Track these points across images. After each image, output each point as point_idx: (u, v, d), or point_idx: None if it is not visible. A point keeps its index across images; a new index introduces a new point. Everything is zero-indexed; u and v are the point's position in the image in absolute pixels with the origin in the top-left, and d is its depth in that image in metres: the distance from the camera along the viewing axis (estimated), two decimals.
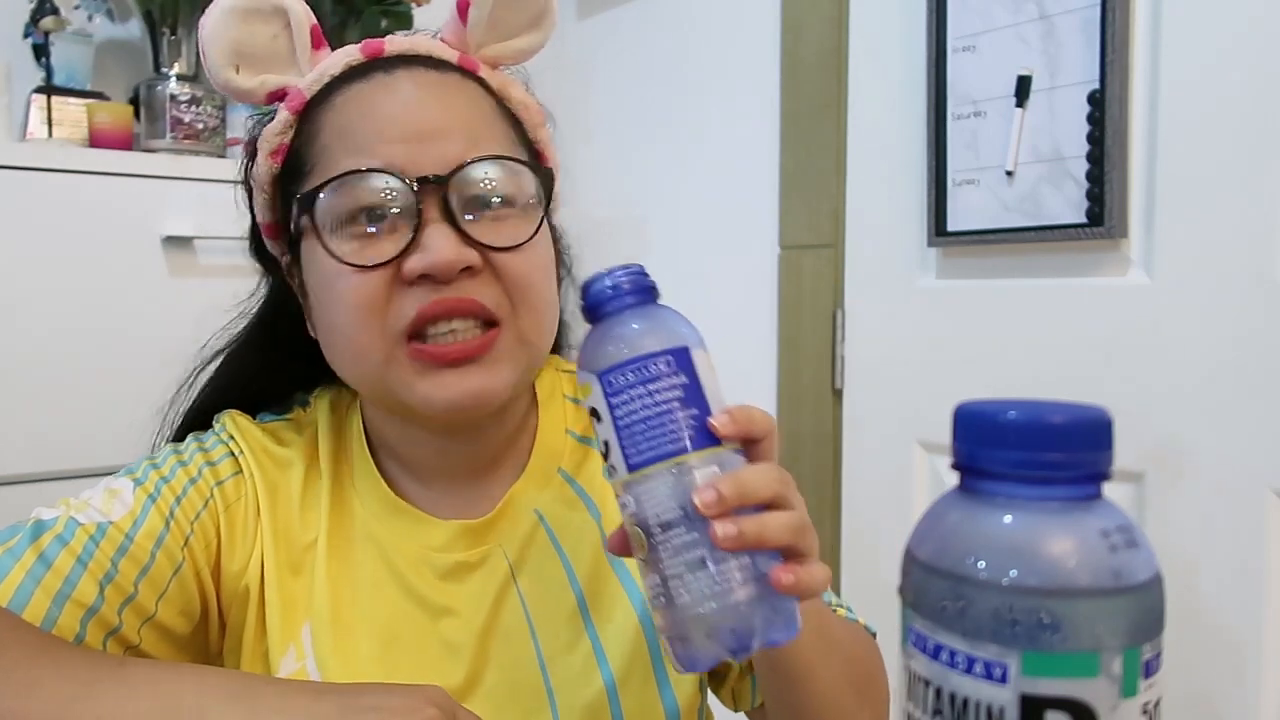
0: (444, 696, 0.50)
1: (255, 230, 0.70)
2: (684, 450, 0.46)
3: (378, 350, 0.59)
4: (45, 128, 1.53)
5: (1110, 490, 0.32)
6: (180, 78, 1.62)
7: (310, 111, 0.64)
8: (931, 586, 0.32)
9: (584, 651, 0.66)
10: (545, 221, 0.63)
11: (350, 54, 0.65)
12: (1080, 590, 0.30)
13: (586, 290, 0.51)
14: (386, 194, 0.59)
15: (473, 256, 0.58)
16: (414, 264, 0.58)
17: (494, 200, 0.61)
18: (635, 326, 0.49)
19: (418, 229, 0.58)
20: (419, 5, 1.73)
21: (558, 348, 0.78)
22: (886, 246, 1.36)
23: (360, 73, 0.64)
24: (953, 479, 0.34)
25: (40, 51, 1.56)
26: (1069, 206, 1.14)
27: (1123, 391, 1.10)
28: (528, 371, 0.64)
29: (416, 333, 0.59)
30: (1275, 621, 1.01)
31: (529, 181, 0.63)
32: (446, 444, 0.67)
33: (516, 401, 0.69)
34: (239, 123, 1.67)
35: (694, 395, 0.48)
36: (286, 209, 0.65)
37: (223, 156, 1.65)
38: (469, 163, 0.59)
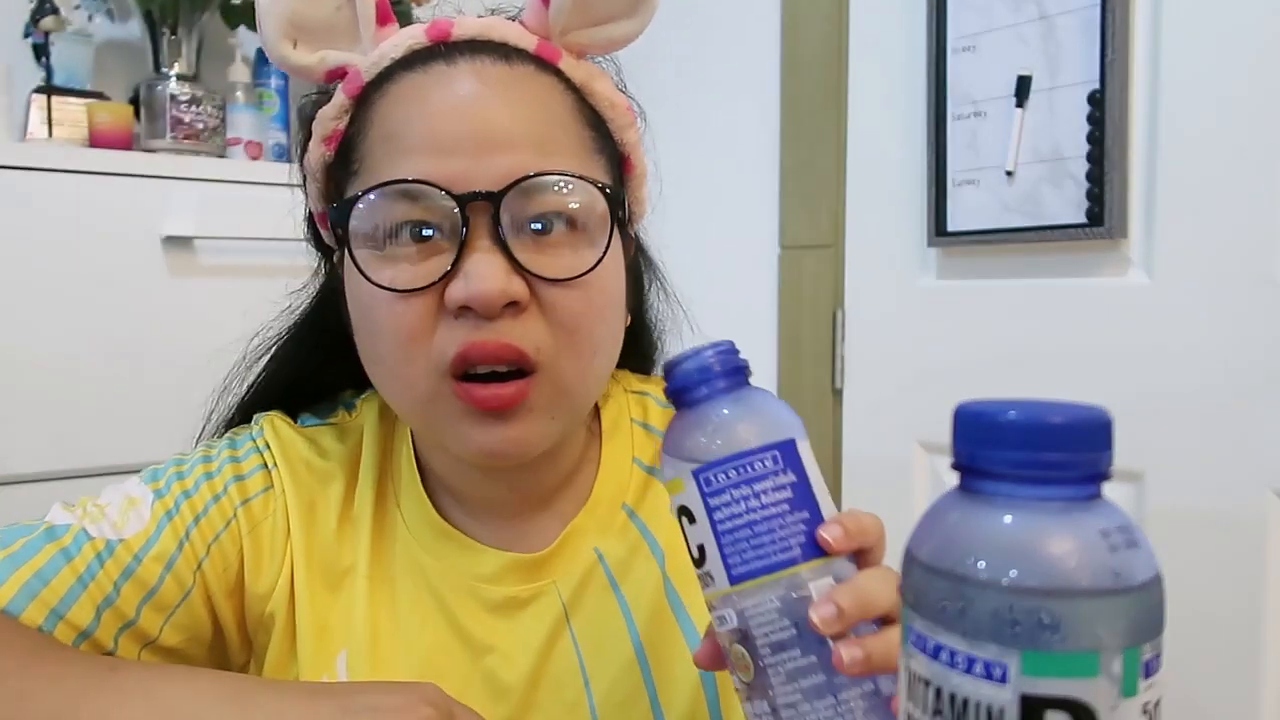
0: (440, 695, 0.48)
1: (311, 218, 0.65)
2: (795, 561, 0.42)
3: (422, 384, 0.54)
4: (45, 128, 1.53)
5: (1110, 490, 0.32)
6: (180, 78, 1.62)
7: (367, 97, 0.57)
8: (931, 586, 0.32)
9: (640, 704, 0.61)
10: (608, 249, 0.55)
11: (414, 35, 0.57)
12: (1080, 590, 0.30)
13: (672, 371, 0.46)
14: (429, 212, 0.52)
15: (519, 290, 0.52)
16: (454, 293, 0.51)
17: (551, 223, 0.53)
18: (735, 418, 0.44)
19: (461, 253, 0.51)
20: (419, 5, 1.73)
21: (642, 365, 0.72)
22: (886, 246, 1.36)
23: (421, 59, 0.56)
24: (953, 479, 0.34)
25: (40, 51, 1.56)
26: (1069, 206, 1.14)
27: (1123, 391, 1.10)
28: (570, 421, 0.59)
29: (460, 371, 0.53)
30: (1275, 621, 1.01)
31: (596, 201, 0.55)
32: (493, 484, 0.62)
33: (569, 441, 0.63)
34: (239, 122, 1.67)
35: (803, 496, 0.43)
36: (334, 201, 0.59)
37: (223, 156, 1.65)
38: (524, 179, 0.52)
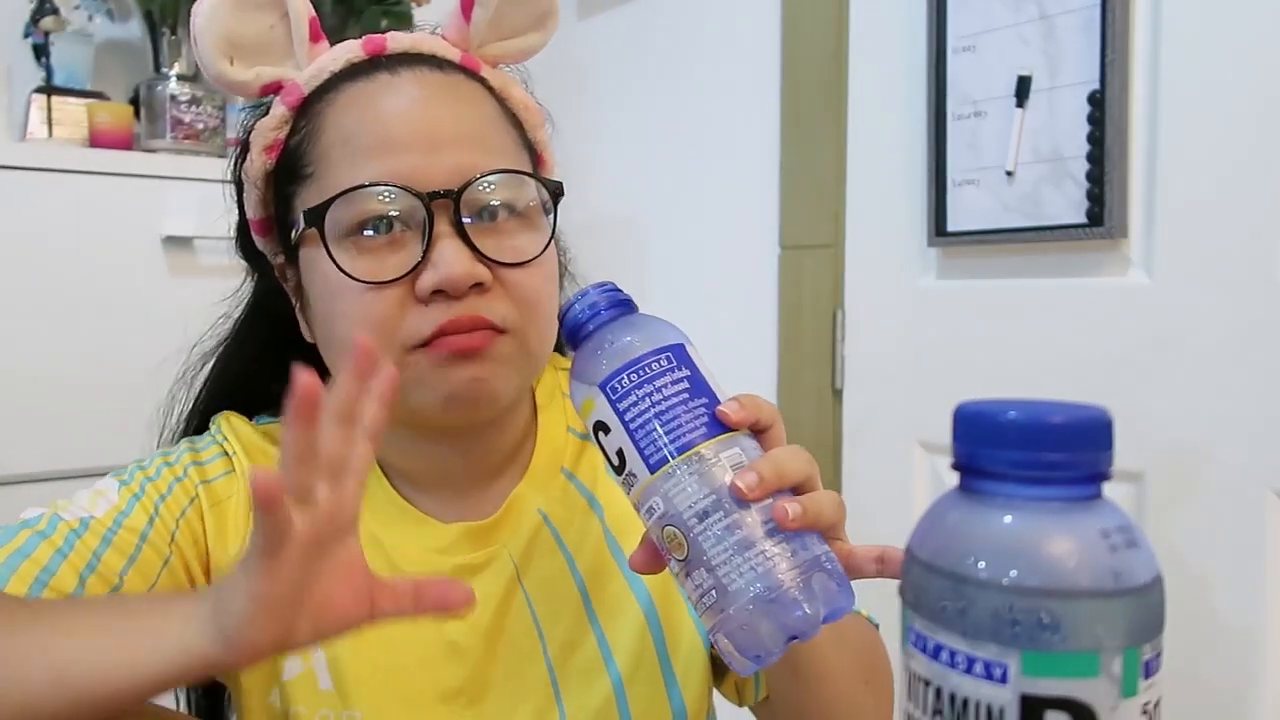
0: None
1: (243, 227, 0.70)
2: (703, 439, 0.46)
3: (390, 362, 0.58)
4: (45, 128, 1.53)
5: (1110, 490, 0.32)
6: (180, 78, 1.62)
7: (309, 108, 0.62)
8: (931, 586, 0.32)
9: (589, 649, 0.66)
10: (554, 233, 0.63)
11: (351, 50, 0.63)
12: (1080, 590, 0.30)
13: (565, 315, 0.51)
14: (397, 208, 0.58)
15: (484, 273, 0.58)
16: (427, 280, 0.57)
17: (504, 213, 0.60)
18: (625, 335, 0.49)
19: (429, 244, 0.57)
20: (419, 4, 1.73)
21: (558, 348, 0.78)
22: (886, 246, 1.36)
23: (363, 70, 0.62)
24: (953, 479, 0.34)
25: (40, 51, 1.56)
26: (1069, 206, 1.14)
27: (1123, 391, 1.10)
28: (529, 378, 0.64)
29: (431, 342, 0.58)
30: (1276, 621, 1.01)
31: (538, 194, 0.62)
32: (447, 453, 0.66)
33: (517, 409, 0.68)
34: (240, 122, 1.67)
35: (700, 386, 0.48)
36: (281, 206, 0.63)
37: (223, 156, 1.65)
38: (481, 176, 0.59)
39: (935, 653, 0.31)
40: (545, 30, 0.68)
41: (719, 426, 0.47)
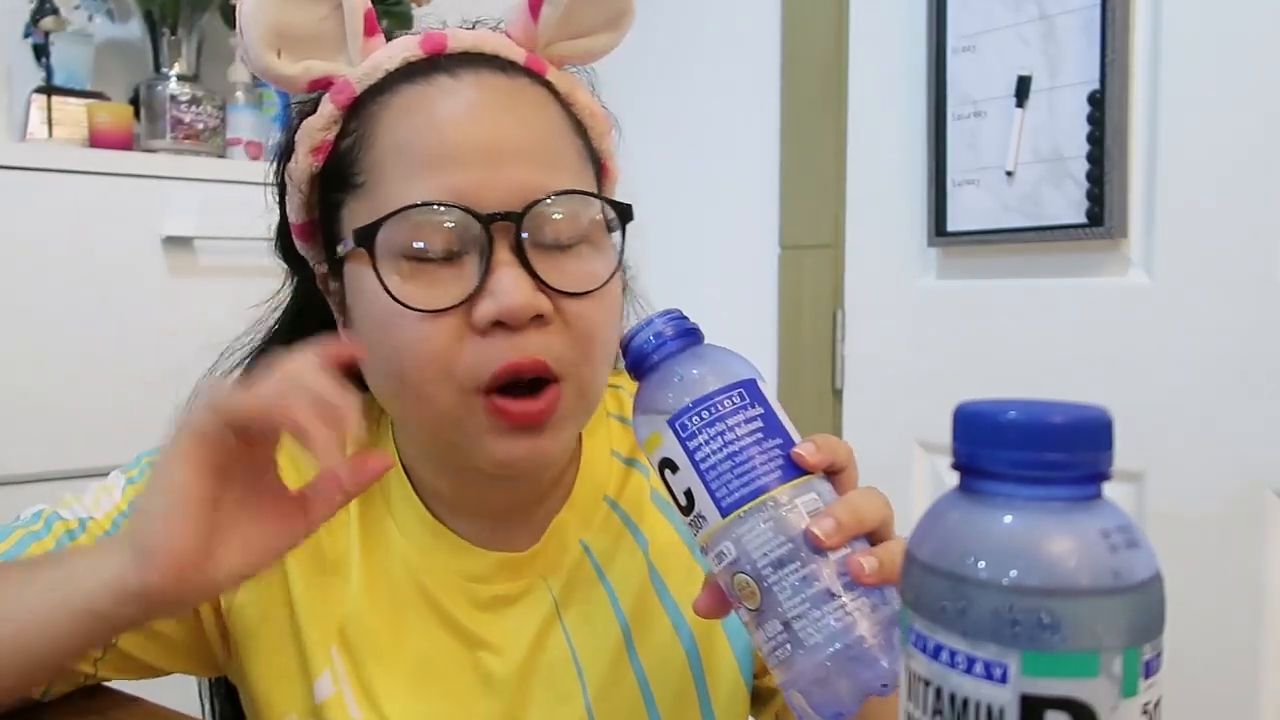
0: (216, 389, 0.48)
1: (284, 229, 0.65)
2: (778, 483, 0.44)
3: (448, 402, 0.54)
4: (45, 128, 1.53)
5: (1110, 490, 0.32)
6: (180, 78, 1.62)
7: (360, 109, 0.57)
8: (931, 586, 0.32)
9: (630, 690, 0.62)
10: (621, 260, 0.58)
11: (409, 47, 0.58)
12: (1080, 590, 0.30)
13: (629, 344, 0.48)
14: (454, 230, 0.53)
15: (545, 304, 0.53)
16: (485, 310, 0.52)
17: (568, 239, 0.55)
18: (694, 368, 0.46)
19: (487, 270, 0.52)
20: (419, 5, 1.73)
21: None
22: (886, 246, 1.36)
23: (420, 71, 0.57)
24: (953, 479, 0.34)
25: (40, 51, 1.56)
26: (1069, 206, 1.14)
27: (1123, 391, 1.10)
28: (584, 424, 0.60)
29: (494, 387, 0.54)
30: (1275, 622, 1.01)
31: (606, 215, 0.58)
32: (488, 486, 0.62)
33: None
34: (239, 123, 1.67)
35: (773, 425, 0.46)
36: (327, 213, 0.59)
37: (223, 156, 1.65)
38: (545, 199, 0.54)
39: (935, 653, 0.31)
40: (619, 30, 0.62)
41: (794, 470, 0.45)
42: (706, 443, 0.45)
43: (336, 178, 0.58)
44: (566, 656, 0.62)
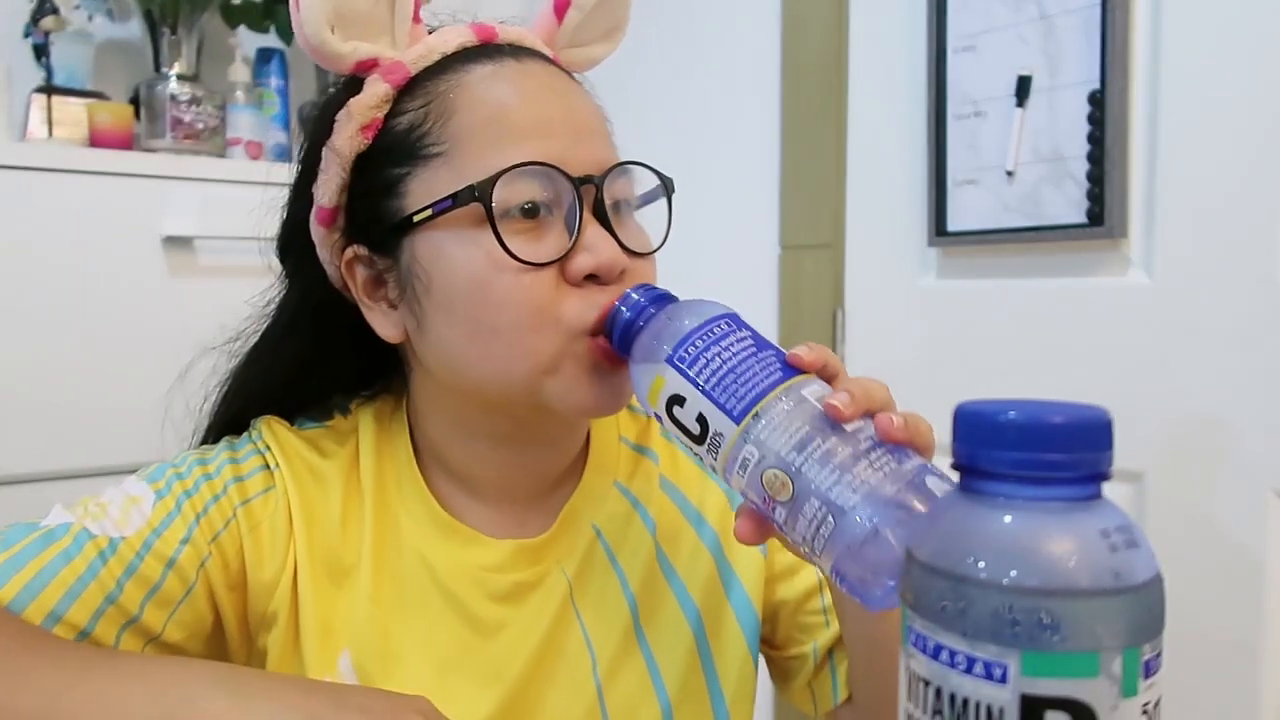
0: (430, 707, 0.49)
1: (289, 225, 0.66)
2: (782, 380, 0.46)
3: (552, 348, 0.57)
4: (45, 128, 1.53)
5: (1110, 490, 0.32)
6: (180, 78, 1.62)
7: (420, 87, 0.60)
8: (931, 586, 0.32)
9: (638, 670, 0.64)
10: (669, 229, 0.64)
11: (462, 34, 0.62)
12: (1080, 590, 0.30)
13: (613, 320, 0.54)
14: (550, 191, 0.57)
15: (627, 260, 0.58)
16: (583, 263, 0.57)
17: (625, 206, 0.61)
18: (678, 318, 0.50)
19: (579, 228, 0.57)
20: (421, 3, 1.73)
21: None
22: (886, 246, 1.36)
23: (484, 54, 0.61)
24: (953, 479, 0.34)
25: (40, 51, 1.56)
26: (1069, 206, 1.14)
27: (1122, 391, 1.10)
28: None
29: (598, 330, 0.57)
30: (1275, 621, 1.01)
31: (658, 187, 0.64)
32: (517, 460, 0.65)
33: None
34: (239, 122, 1.67)
35: (763, 341, 0.49)
36: (375, 191, 0.60)
37: (223, 156, 1.65)
38: (620, 164, 0.60)
39: (935, 653, 0.31)
40: (613, 42, 0.69)
41: (793, 370, 0.48)
42: (707, 364, 0.47)
43: (398, 152, 0.60)
44: (579, 638, 0.64)
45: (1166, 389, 1.08)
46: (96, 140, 1.54)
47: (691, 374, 0.47)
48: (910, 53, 1.31)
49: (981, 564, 0.31)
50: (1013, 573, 0.30)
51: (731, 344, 0.48)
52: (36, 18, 1.52)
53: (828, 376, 0.49)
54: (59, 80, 1.55)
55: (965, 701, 0.31)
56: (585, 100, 0.63)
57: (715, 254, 1.62)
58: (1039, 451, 0.31)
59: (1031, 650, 0.29)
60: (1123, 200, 1.10)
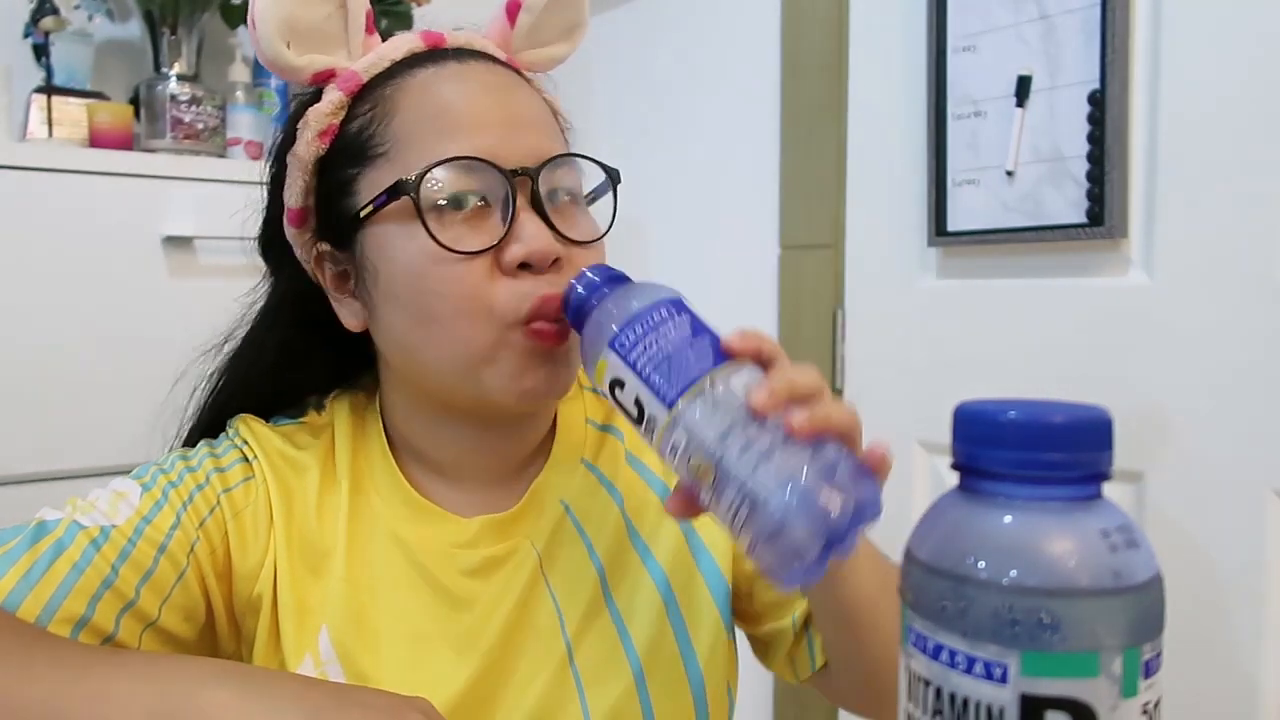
0: (431, 707, 0.50)
1: (269, 225, 0.69)
2: (711, 368, 0.48)
3: (486, 337, 0.59)
4: (45, 128, 1.53)
5: (1110, 490, 0.32)
6: (180, 78, 1.62)
7: (370, 93, 0.63)
8: (931, 586, 0.32)
9: (607, 634, 0.66)
10: (614, 218, 0.66)
11: (411, 41, 0.65)
12: (1080, 590, 0.30)
13: (569, 298, 0.56)
14: (482, 183, 0.59)
15: (560, 249, 0.60)
16: (515, 253, 0.58)
17: (565, 196, 0.63)
18: (626, 300, 0.52)
19: (512, 218, 0.59)
20: (419, 5, 1.73)
21: None
22: (886, 246, 1.36)
23: (429, 59, 0.64)
24: (953, 479, 0.34)
25: (40, 51, 1.56)
26: (1069, 206, 1.14)
27: (1123, 391, 1.10)
28: (578, 365, 0.65)
29: (531, 319, 0.59)
30: (1275, 621, 1.01)
31: (600, 178, 0.66)
32: (481, 442, 0.67)
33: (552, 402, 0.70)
34: (239, 122, 1.67)
35: (700, 328, 0.51)
36: (334, 191, 0.63)
37: (223, 156, 1.65)
38: (556, 157, 0.61)
39: (935, 653, 0.31)
40: (572, 42, 0.71)
41: (725, 358, 0.49)
42: (644, 351, 0.49)
43: (349, 154, 0.63)
44: (550, 608, 0.66)
45: (1166, 389, 1.08)
46: (96, 140, 1.54)
47: (630, 359, 0.50)
48: (910, 53, 1.31)
49: (981, 564, 0.31)
50: (1013, 572, 0.30)
51: (669, 330, 0.50)
52: (36, 18, 1.52)
53: (762, 363, 0.50)
54: (59, 80, 1.55)
55: (965, 701, 0.31)
56: (528, 95, 0.65)
57: (715, 254, 1.62)
58: (1039, 451, 0.31)
59: (1031, 650, 0.29)
60: (1123, 200, 1.10)
